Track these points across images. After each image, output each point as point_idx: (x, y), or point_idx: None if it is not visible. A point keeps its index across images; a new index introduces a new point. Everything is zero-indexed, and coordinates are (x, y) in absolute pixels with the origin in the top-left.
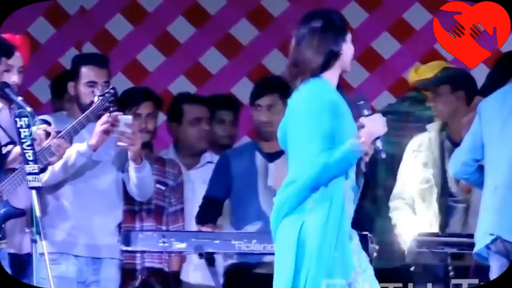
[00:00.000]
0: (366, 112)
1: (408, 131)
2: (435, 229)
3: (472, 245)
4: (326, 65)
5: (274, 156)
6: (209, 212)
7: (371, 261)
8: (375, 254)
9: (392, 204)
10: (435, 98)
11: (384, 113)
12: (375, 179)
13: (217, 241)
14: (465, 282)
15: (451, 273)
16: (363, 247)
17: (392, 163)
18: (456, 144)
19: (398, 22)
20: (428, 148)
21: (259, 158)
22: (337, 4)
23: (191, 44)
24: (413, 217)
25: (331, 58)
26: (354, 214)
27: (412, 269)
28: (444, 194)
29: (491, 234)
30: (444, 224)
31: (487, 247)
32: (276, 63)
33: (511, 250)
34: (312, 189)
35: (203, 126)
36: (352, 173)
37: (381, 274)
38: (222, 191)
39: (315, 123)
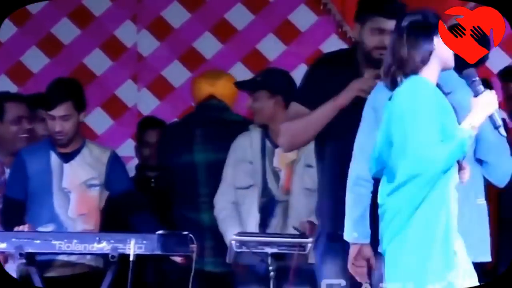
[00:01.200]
0: (481, 88)
1: (218, 137)
2: (256, 229)
3: (292, 245)
4: (422, 62)
5: (69, 156)
6: (13, 215)
7: (191, 262)
8: (195, 255)
9: (216, 203)
10: (253, 101)
11: (187, 123)
12: (196, 180)
13: (38, 241)
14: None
15: (272, 273)
16: (183, 247)
17: (210, 167)
18: (276, 145)
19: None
20: (250, 148)
21: (54, 158)
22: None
23: (12, 43)
24: (236, 217)
25: (424, 55)
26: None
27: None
28: (265, 194)
29: None
30: (264, 224)
31: None
32: (97, 63)
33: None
34: (428, 183)
35: (24, 125)
36: (455, 173)
37: (207, 276)
38: (21, 191)
39: (424, 119)
